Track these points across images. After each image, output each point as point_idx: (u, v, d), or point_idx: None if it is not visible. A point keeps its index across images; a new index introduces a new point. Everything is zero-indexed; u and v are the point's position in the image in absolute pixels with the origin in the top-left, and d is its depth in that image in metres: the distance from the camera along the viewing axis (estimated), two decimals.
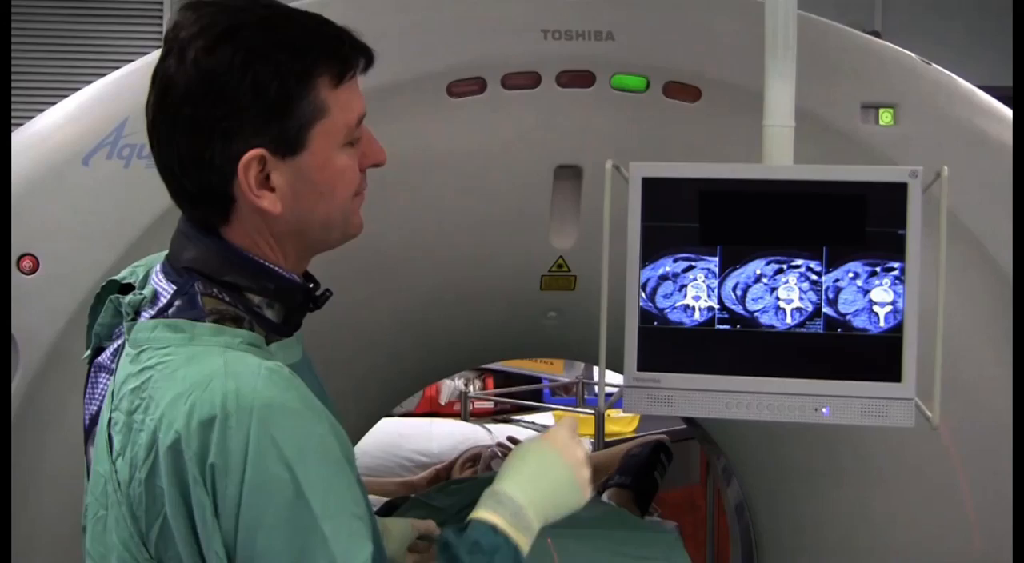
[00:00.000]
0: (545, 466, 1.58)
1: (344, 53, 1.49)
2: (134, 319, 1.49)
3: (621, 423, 4.17)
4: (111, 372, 1.50)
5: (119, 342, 1.51)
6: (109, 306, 1.55)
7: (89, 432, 1.54)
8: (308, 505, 1.34)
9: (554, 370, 4.53)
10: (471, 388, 4.39)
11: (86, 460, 1.57)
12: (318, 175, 1.48)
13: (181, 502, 1.35)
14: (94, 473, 1.46)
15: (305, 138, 1.46)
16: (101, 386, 1.54)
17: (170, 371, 1.39)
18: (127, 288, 1.57)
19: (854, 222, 1.76)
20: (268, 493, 1.34)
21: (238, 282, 1.48)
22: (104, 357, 1.54)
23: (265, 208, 1.45)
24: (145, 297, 1.49)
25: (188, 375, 1.37)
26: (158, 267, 1.54)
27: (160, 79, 1.45)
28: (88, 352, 1.57)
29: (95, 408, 1.53)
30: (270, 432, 1.34)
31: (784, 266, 1.77)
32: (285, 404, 1.36)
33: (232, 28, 1.44)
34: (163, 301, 1.47)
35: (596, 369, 2.03)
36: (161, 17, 7.74)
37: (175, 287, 1.47)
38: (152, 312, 1.47)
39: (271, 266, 1.51)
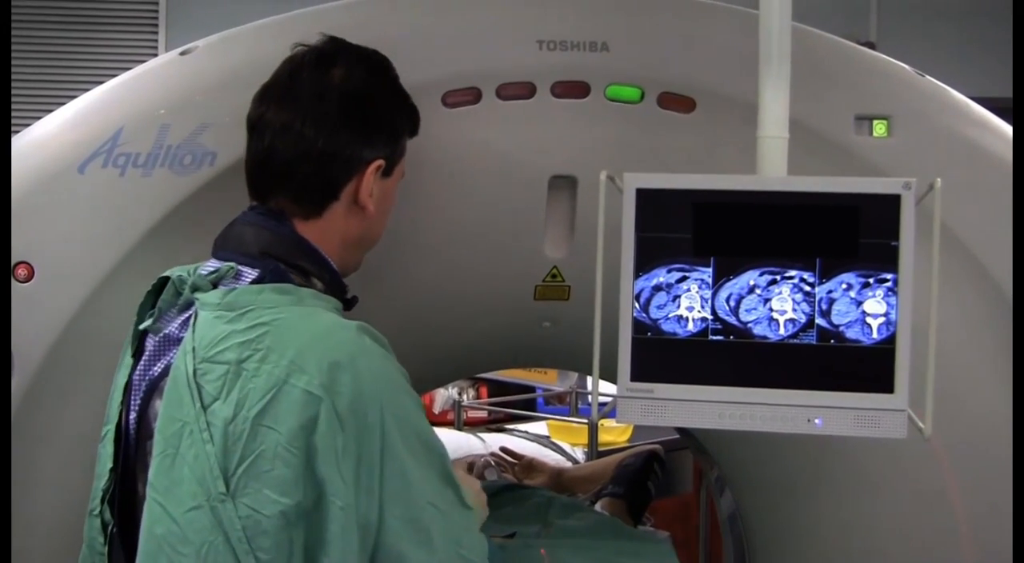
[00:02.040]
0: None
1: (418, 117, 1.93)
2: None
3: (615, 433, 4.18)
4: (180, 341, 1.71)
5: (186, 315, 1.73)
6: (171, 287, 1.77)
7: (154, 387, 1.73)
8: (433, 432, 1.71)
9: (548, 379, 4.55)
10: (465, 397, 4.40)
11: (123, 418, 1.76)
12: (388, 199, 1.89)
13: (301, 435, 1.58)
14: (166, 418, 1.64)
15: (394, 167, 1.87)
16: (172, 353, 1.73)
17: (288, 326, 1.64)
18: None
19: (847, 233, 1.76)
20: (407, 421, 1.65)
21: (307, 267, 1.78)
22: (171, 329, 1.75)
23: (366, 205, 1.82)
24: (231, 269, 1.74)
25: (308, 329, 1.64)
26: (210, 262, 1.79)
27: (313, 83, 1.81)
28: (149, 323, 1.77)
29: (158, 370, 1.74)
30: (390, 372, 1.67)
31: (778, 277, 1.77)
32: (389, 355, 1.69)
33: (382, 64, 1.89)
34: (250, 276, 1.74)
35: (590, 379, 2.03)
36: (156, 26, 7.75)
37: (257, 266, 1.74)
38: (242, 283, 1.72)
39: (329, 259, 1.82)
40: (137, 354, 1.79)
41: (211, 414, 1.61)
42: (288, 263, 1.76)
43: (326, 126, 1.79)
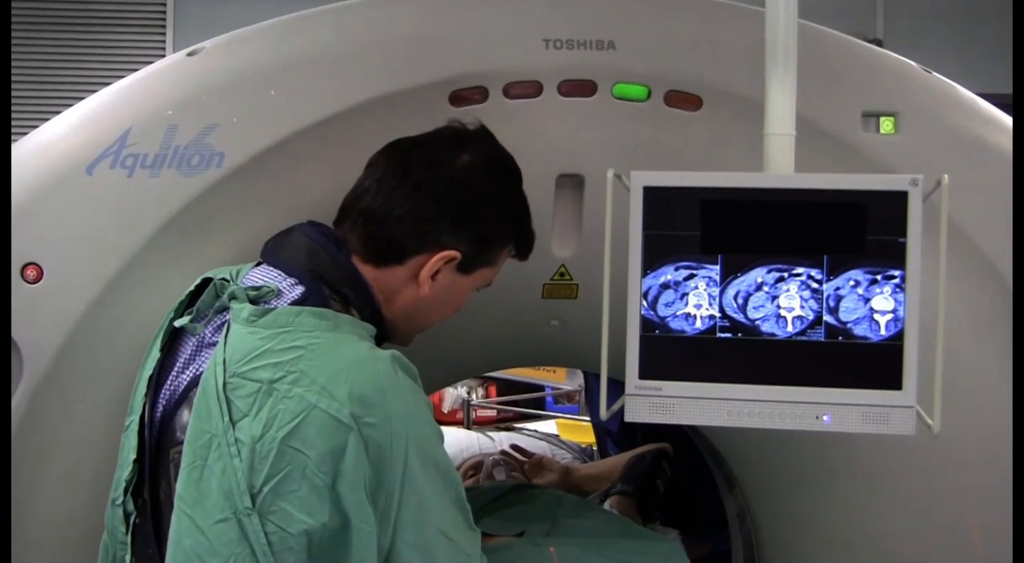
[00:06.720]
0: None
1: (530, 242, 1.95)
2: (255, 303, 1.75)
3: None
4: (213, 346, 1.74)
5: (220, 320, 1.77)
6: (212, 289, 1.80)
7: (183, 397, 1.75)
8: (449, 461, 1.74)
9: (556, 378, 4.54)
10: (474, 396, 4.39)
11: (145, 413, 1.77)
12: (456, 295, 1.90)
13: (329, 460, 1.61)
14: (195, 430, 1.66)
15: (475, 270, 1.88)
16: (203, 359, 1.76)
17: (322, 352, 1.66)
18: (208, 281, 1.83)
19: (855, 230, 1.76)
20: (428, 454, 1.68)
21: (350, 297, 1.80)
22: (206, 333, 1.78)
23: (423, 283, 1.83)
24: (271, 291, 1.76)
25: (341, 356, 1.66)
26: (258, 268, 1.83)
27: (436, 155, 1.84)
28: (186, 320, 1.79)
29: (187, 378, 1.76)
30: (418, 405, 1.70)
31: (785, 274, 1.78)
32: (417, 386, 1.72)
33: (508, 171, 1.90)
34: (292, 295, 1.76)
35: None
36: (164, 27, 7.76)
37: (303, 285, 1.77)
38: (283, 302, 1.75)
39: (375, 296, 1.83)
40: (166, 349, 1.81)
41: (239, 430, 1.63)
42: (333, 288, 1.79)
43: (418, 194, 1.81)
